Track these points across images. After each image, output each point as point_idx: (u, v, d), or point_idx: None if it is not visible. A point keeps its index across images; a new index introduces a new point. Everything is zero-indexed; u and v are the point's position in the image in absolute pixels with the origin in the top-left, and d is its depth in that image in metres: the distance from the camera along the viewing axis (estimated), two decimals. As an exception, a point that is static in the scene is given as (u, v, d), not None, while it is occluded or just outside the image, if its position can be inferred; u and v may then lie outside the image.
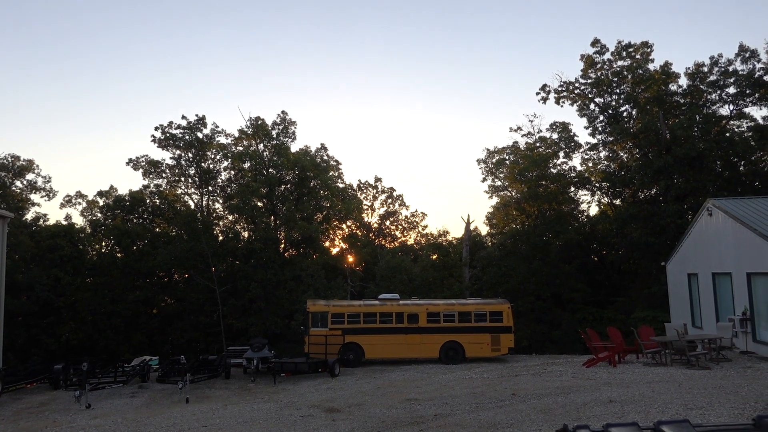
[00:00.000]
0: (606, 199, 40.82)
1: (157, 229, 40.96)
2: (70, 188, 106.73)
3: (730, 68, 34.16)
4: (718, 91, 35.10)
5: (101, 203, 42.18)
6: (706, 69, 35.08)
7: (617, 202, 39.60)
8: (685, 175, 32.93)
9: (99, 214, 41.74)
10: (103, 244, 40.62)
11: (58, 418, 14.22)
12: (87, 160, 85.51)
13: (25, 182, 42.09)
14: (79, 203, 43.07)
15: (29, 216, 40.29)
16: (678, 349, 16.82)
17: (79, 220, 42.23)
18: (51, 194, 42.77)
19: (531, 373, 17.32)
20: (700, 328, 21.90)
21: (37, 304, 34.24)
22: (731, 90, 34.69)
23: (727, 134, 34.73)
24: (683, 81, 36.49)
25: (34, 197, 42.37)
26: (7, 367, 21.30)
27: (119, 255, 39.01)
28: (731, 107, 35.42)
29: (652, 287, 30.97)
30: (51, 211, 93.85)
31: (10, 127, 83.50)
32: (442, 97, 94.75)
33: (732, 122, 35.66)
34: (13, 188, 41.57)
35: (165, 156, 42.85)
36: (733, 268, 19.34)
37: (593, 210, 42.90)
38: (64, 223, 39.87)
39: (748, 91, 33.89)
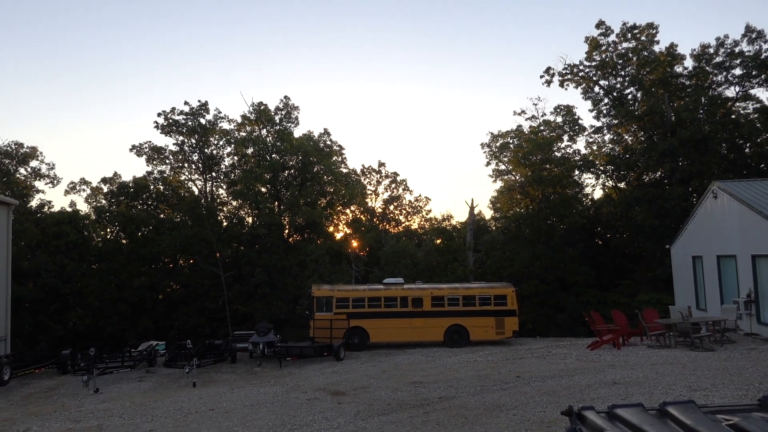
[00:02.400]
0: (610, 182, 40.66)
1: (162, 216, 41.01)
2: (74, 175, 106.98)
3: (737, 49, 33.75)
4: (724, 73, 34.72)
5: (105, 190, 42.26)
6: (712, 50, 34.68)
7: (622, 185, 39.43)
8: (690, 158, 32.73)
9: (103, 201, 41.83)
10: (108, 230, 40.72)
11: (66, 402, 14.38)
12: (90, 146, 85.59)
13: (29, 169, 42.19)
14: (84, 190, 43.19)
15: (34, 203, 40.44)
16: (682, 331, 16.85)
17: (83, 207, 42.39)
18: (55, 181, 42.89)
19: (535, 355, 17.40)
20: (705, 310, 21.92)
21: (43, 291, 34.47)
22: (737, 71, 34.32)
23: (733, 116, 34.43)
24: (689, 63, 36.16)
25: (39, 184, 42.50)
26: (15, 353, 21.52)
27: (124, 241, 39.15)
28: (737, 89, 35.09)
29: (656, 270, 30.95)
30: (55, 198, 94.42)
31: (14, 114, 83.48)
32: (445, 81, 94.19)
33: (738, 104, 35.34)
34: (18, 175, 41.65)
35: (168, 142, 42.87)
36: (738, 250, 19.30)
37: (597, 193, 42.82)
38: (69, 209, 39.97)
39: (754, 73, 33.51)
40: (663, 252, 28.63)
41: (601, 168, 39.95)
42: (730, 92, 35.34)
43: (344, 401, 11.78)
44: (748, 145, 34.16)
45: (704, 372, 11.94)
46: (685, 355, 14.83)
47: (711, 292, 21.58)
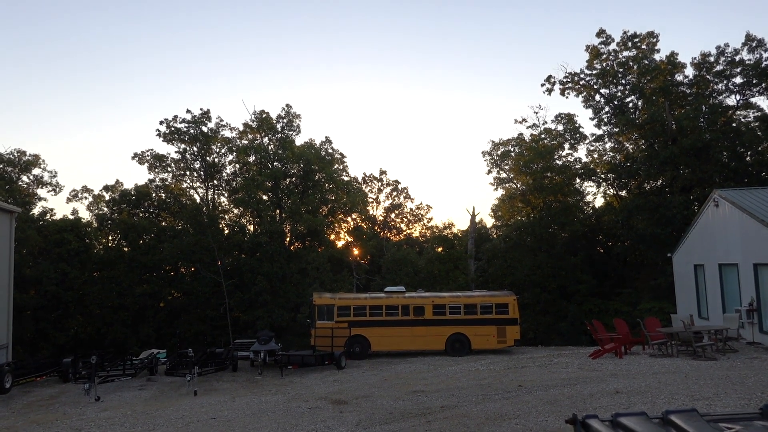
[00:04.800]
0: (612, 190, 40.69)
1: (163, 223, 41.07)
2: (76, 183, 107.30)
3: (737, 58, 33.89)
4: (725, 81, 34.84)
5: (107, 197, 42.34)
6: (712, 59, 34.82)
7: (623, 193, 39.46)
8: (692, 166, 32.76)
9: (105, 209, 41.90)
10: (110, 238, 40.77)
11: (68, 410, 14.36)
12: (92, 154, 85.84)
13: (31, 177, 42.28)
14: (86, 198, 43.28)
15: (36, 211, 40.49)
16: (684, 340, 16.81)
17: (85, 215, 42.45)
18: (57, 189, 42.98)
19: (537, 364, 17.36)
20: (707, 319, 21.88)
21: (45, 298, 34.47)
22: (738, 80, 34.44)
23: (734, 124, 34.50)
24: (689, 71, 36.27)
25: (41, 192, 42.62)
26: (16, 361, 21.51)
27: (126, 249, 39.15)
28: (738, 97, 35.20)
29: (658, 279, 30.90)
30: (57, 206, 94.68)
31: (16, 122, 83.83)
32: (446, 89, 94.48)
33: (738, 112, 35.42)
34: (20, 183, 41.75)
35: (170, 150, 42.88)
36: (740, 258, 19.29)
37: (599, 202, 42.81)
38: (71, 217, 40.01)
39: (754, 81, 33.63)
40: (665, 260, 28.61)
41: (602, 176, 39.99)
42: (731, 100, 35.50)
43: (346, 410, 11.76)
44: (749, 153, 34.19)
45: (706, 381, 11.92)
46: (687, 364, 14.80)
47: (713, 300, 21.55)
